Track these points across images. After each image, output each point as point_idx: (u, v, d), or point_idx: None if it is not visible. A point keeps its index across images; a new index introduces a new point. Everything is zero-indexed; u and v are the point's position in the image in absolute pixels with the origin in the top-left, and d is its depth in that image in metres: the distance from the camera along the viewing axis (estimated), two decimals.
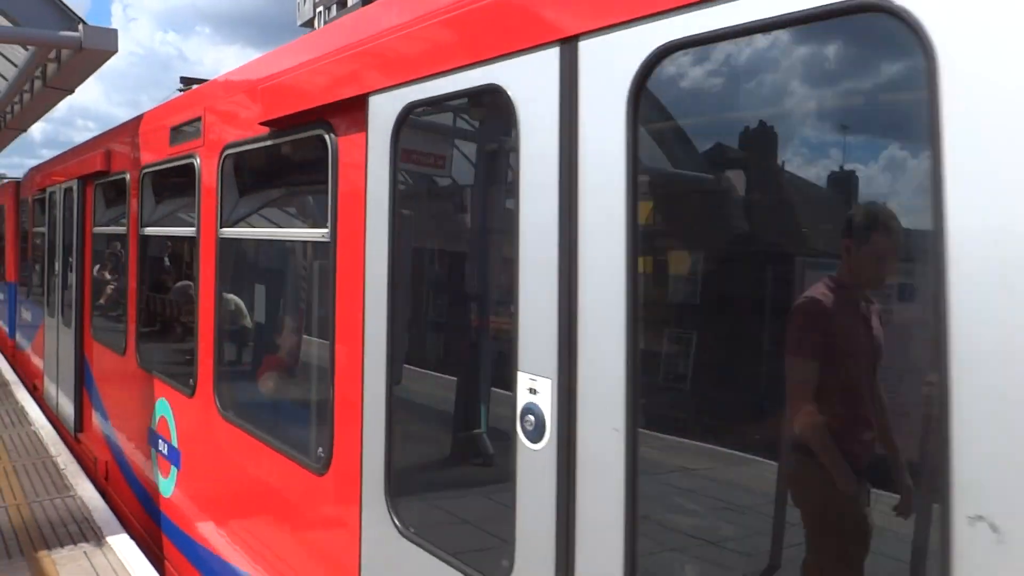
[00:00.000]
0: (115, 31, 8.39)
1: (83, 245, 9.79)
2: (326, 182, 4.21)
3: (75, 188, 9.91)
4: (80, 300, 9.76)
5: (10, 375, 14.73)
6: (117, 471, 8.44)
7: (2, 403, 12.36)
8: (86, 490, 8.37)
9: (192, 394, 6.15)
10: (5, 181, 18.40)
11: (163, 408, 6.87)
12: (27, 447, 9.93)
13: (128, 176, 7.99)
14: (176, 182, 6.97)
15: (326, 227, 4.21)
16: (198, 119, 6.19)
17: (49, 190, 11.98)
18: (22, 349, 15.46)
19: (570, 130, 2.63)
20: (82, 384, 9.80)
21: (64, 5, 8.39)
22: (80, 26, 8.27)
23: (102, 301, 9.53)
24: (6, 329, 17.74)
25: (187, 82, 15.02)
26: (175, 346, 7.48)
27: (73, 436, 10.07)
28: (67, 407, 10.45)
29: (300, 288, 5.67)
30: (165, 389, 6.88)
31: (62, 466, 9.17)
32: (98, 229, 9.44)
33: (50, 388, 11.76)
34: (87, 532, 7.23)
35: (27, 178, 15.57)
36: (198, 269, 6.02)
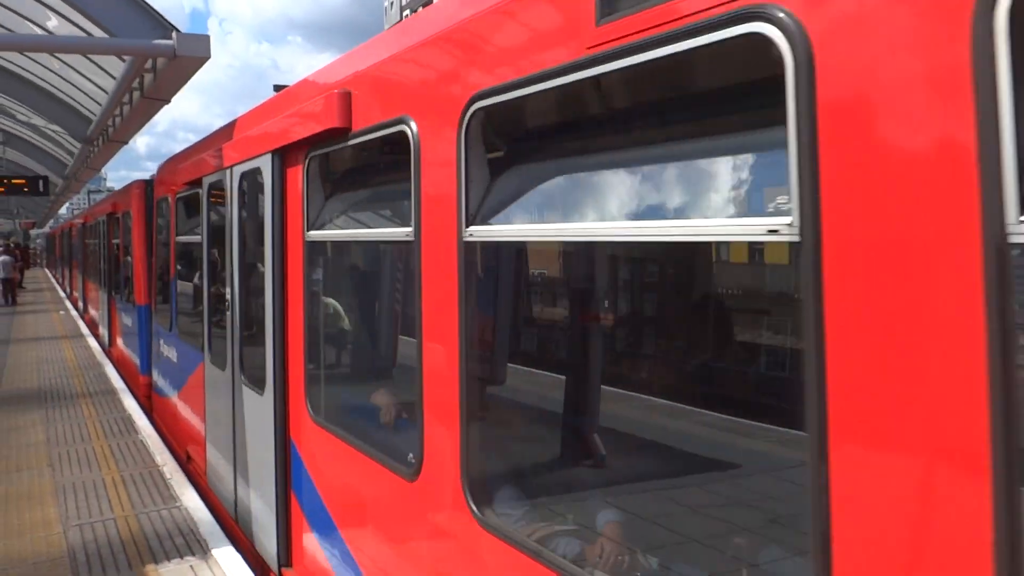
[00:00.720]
0: (207, 37, 8.35)
1: (282, 261, 5.84)
2: None
3: (266, 170, 6.04)
4: (280, 352, 5.84)
5: (117, 383, 15.05)
6: None
7: (110, 412, 12.60)
8: (191, 500, 8.33)
9: None
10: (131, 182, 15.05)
11: None
12: (134, 456, 10.02)
13: (412, 128, 3.90)
14: (620, 114, 3.25)
15: None
16: None
17: (207, 181, 8.17)
18: (162, 395, 11.65)
19: None
20: (289, 488, 5.91)
21: (158, 14, 8.39)
22: (173, 34, 8.25)
23: (338, 360, 6.19)
24: (137, 363, 14.24)
25: (280, 89, 15.20)
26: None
27: (275, 570, 6.10)
28: (258, 515, 6.53)
29: None
30: None
31: (168, 476, 9.19)
32: (319, 233, 5.41)
33: (220, 472, 7.80)
34: (193, 544, 7.13)
35: (164, 172, 11.10)
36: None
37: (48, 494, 8.54)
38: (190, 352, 9.28)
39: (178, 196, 9.89)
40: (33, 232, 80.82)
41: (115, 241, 17.05)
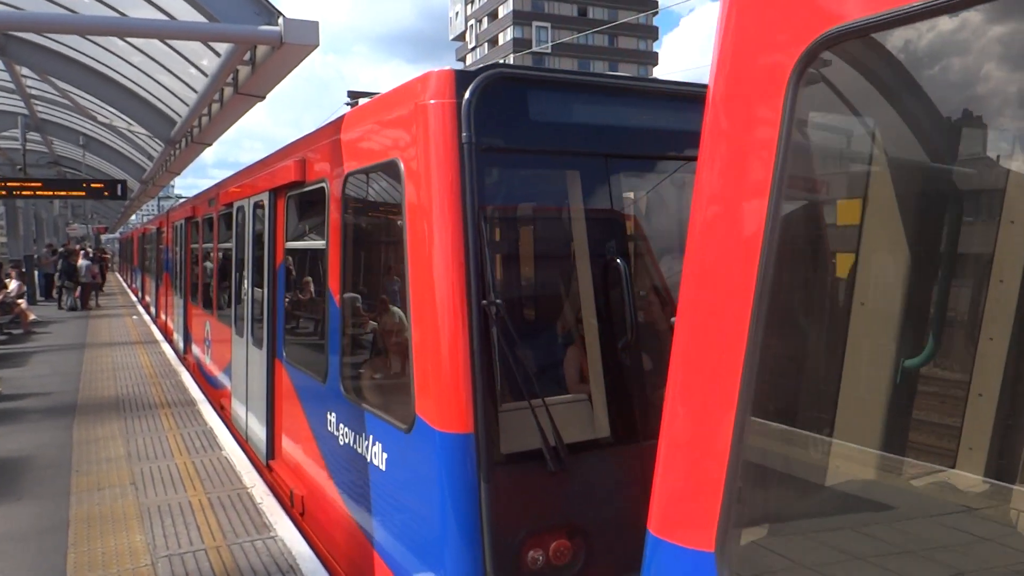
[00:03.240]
0: (316, 24, 7.63)
1: None
2: None
3: None
4: None
5: (196, 393, 14.49)
6: None
7: (191, 425, 11.97)
8: (286, 530, 7.57)
9: None
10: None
11: None
12: (220, 476, 9.33)
13: None
14: None
15: None
16: None
17: None
18: None
19: None
20: None
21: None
22: (280, 20, 7.55)
23: None
24: None
25: (354, 96, 14.66)
26: None
27: None
28: None
29: None
30: None
31: (258, 499, 8.46)
32: None
33: None
34: None
35: None
36: None
37: (133, 518, 7.87)
38: None
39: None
40: (104, 237, 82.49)
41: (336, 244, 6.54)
